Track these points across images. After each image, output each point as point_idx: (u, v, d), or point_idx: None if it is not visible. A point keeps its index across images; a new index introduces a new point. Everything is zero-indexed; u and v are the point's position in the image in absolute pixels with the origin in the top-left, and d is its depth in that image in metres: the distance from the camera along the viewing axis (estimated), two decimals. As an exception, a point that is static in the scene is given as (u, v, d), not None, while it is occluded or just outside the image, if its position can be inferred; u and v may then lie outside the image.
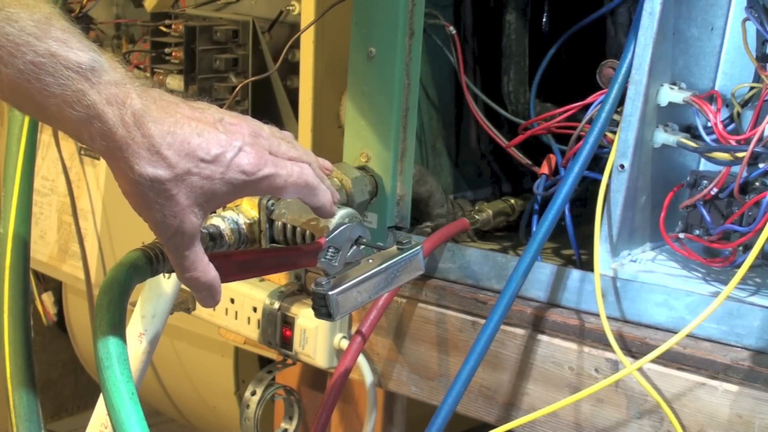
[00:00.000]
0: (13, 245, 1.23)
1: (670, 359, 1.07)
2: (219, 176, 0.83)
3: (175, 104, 0.82)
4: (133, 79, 0.80)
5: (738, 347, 1.05)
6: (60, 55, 0.76)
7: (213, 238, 0.98)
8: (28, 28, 0.75)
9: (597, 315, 1.10)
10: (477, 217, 1.34)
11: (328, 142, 1.44)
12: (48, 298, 2.31)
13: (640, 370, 1.08)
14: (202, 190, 0.82)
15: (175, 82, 1.68)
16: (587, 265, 1.18)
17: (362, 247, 1.01)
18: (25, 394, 1.19)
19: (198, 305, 1.42)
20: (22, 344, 1.21)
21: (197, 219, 0.83)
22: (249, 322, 1.42)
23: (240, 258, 0.94)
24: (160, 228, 0.83)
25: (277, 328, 1.38)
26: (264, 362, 1.72)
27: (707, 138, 1.11)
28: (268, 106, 1.69)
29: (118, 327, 0.81)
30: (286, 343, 1.37)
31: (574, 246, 1.21)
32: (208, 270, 0.87)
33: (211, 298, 0.89)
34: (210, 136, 0.83)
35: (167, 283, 1.24)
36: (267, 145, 0.87)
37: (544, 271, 1.18)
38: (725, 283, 1.02)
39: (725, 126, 1.11)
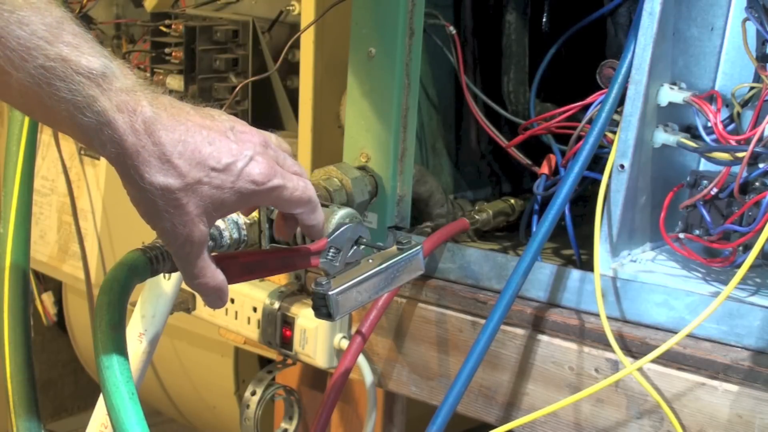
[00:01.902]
0: (13, 245, 1.24)
1: (670, 359, 1.07)
2: (229, 185, 0.83)
3: (185, 112, 0.82)
4: (143, 86, 0.79)
5: (738, 347, 1.05)
6: (71, 60, 0.75)
7: (213, 238, 0.98)
8: (39, 32, 0.74)
9: (597, 315, 1.10)
10: (477, 217, 1.34)
11: (328, 142, 1.44)
12: (48, 298, 2.31)
13: (640, 370, 1.08)
14: (211, 199, 0.82)
15: (175, 82, 1.68)
16: (587, 265, 1.18)
17: (362, 247, 1.01)
18: (25, 394, 1.19)
19: (198, 305, 1.42)
20: (22, 344, 1.21)
21: (206, 227, 0.83)
22: (249, 322, 1.42)
23: (245, 260, 0.94)
24: (169, 237, 0.83)
25: (277, 328, 1.38)
26: (264, 362, 1.72)
27: (707, 138, 1.11)
28: (268, 106, 1.69)
29: (118, 327, 0.81)
30: (286, 343, 1.37)
31: (574, 246, 1.21)
32: (215, 275, 0.87)
33: (219, 301, 0.89)
34: (221, 144, 0.82)
35: (167, 283, 1.25)
36: (274, 156, 0.87)
37: (544, 271, 1.18)
38: (725, 283, 1.02)
39: (725, 126, 1.11)
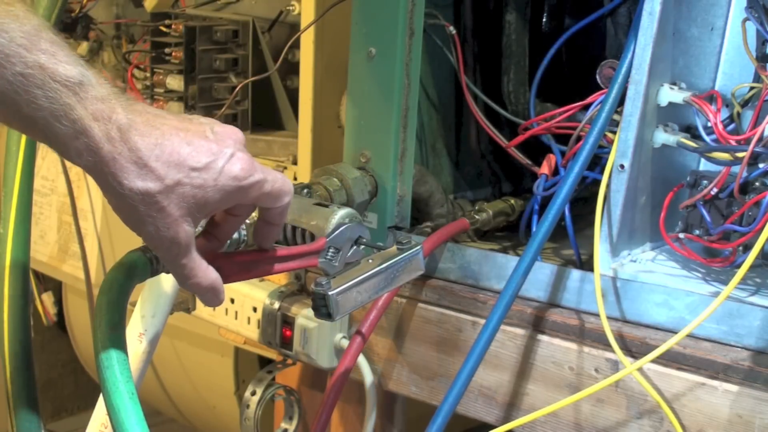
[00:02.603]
0: (13, 245, 1.23)
1: (670, 359, 1.07)
2: (212, 184, 0.83)
3: (161, 117, 0.82)
4: (118, 94, 0.80)
5: (738, 347, 1.05)
6: (49, 67, 0.76)
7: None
8: (17, 39, 0.75)
9: (597, 315, 1.10)
10: (477, 217, 1.34)
11: (328, 142, 1.44)
12: (48, 298, 2.31)
13: (640, 370, 1.08)
14: (194, 199, 0.82)
15: (175, 82, 1.68)
16: (587, 265, 1.18)
17: (362, 247, 1.01)
18: (25, 394, 1.19)
19: (198, 305, 1.42)
20: (22, 344, 1.21)
21: (190, 228, 0.84)
22: (249, 322, 1.42)
23: (242, 258, 0.94)
24: (155, 241, 0.83)
25: (277, 328, 1.38)
26: (264, 362, 1.72)
27: (707, 138, 1.11)
28: (268, 106, 1.69)
29: (118, 327, 0.81)
30: (286, 343, 1.37)
31: (574, 246, 1.21)
32: (207, 274, 0.87)
33: (215, 299, 0.89)
34: (200, 144, 0.83)
35: (167, 283, 1.24)
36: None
37: (544, 271, 1.18)
38: (725, 283, 1.02)
39: (725, 126, 1.11)
